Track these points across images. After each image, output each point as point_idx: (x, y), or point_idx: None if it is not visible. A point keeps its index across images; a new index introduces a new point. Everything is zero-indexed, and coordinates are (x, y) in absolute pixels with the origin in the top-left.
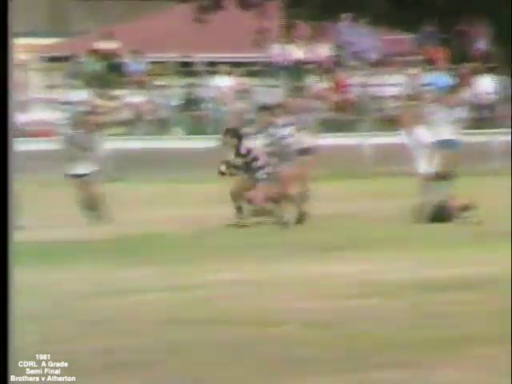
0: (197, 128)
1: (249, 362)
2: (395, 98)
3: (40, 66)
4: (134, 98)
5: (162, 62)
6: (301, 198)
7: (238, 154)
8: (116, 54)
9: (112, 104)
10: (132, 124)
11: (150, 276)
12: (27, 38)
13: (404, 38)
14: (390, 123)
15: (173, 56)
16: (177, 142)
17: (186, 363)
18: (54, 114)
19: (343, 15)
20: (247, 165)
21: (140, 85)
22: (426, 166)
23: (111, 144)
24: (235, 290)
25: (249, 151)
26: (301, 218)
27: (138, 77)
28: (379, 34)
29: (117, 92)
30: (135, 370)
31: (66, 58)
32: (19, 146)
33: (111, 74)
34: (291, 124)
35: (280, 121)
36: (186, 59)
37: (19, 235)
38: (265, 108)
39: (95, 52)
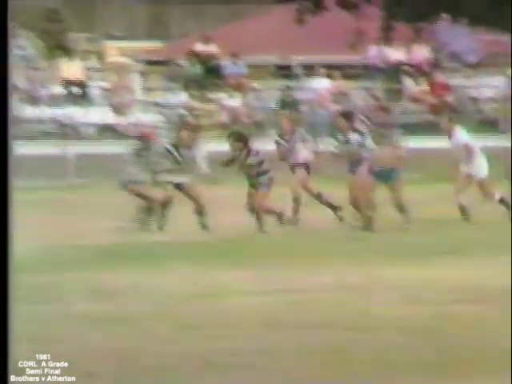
0: None
1: (348, 366)
2: (494, 100)
3: (139, 69)
4: (231, 100)
5: (260, 65)
6: (368, 205)
7: (245, 157)
8: (214, 57)
9: (209, 107)
10: (228, 127)
11: (249, 279)
12: (127, 42)
13: (503, 39)
14: (489, 126)
15: (270, 58)
16: (271, 144)
17: (284, 367)
18: (153, 116)
19: (441, 16)
20: (252, 168)
21: (237, 87)
22: None
23: (208, 147)
24: (335, 294)
25: (256, 154)
26: (368, 224)
27: (236, 79)
28: (477, 35)
29: (214, 95)
30: (234, 374)
31: (165, 62)
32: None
33: (209, 76)
34: (367, 132)
35: (359, 127)
36: (283, 62)
37: (122, 237)
38: (344, 113)
39: (194, 55)
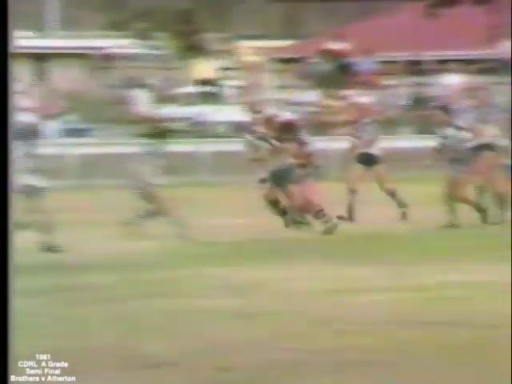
0: (425, 127)
1: (479, 365)
2: None
3: (272, 68)
4: (362, 97)
5: (391, 61)
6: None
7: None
8: (346, 55)
9: (340, 104)
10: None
11: (380, 275)
12: (260, 41)
13: None
14: None
15: (402, 55)
16: (404, 141)
17: (416, 365)
18: (285, 114)
19: None
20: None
21: (368, 85)
22: None
23: (336, 144)
24: (465, 291)
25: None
26: (483, 219)
27: (367, 77)
28: None
29: (345, 92)
30: (365, 370)
31: (297, 60)
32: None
33: (340, 74)
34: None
35: (458, 122)
36: (415, 58)
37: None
38: (442, 107)
39: (326, 53)
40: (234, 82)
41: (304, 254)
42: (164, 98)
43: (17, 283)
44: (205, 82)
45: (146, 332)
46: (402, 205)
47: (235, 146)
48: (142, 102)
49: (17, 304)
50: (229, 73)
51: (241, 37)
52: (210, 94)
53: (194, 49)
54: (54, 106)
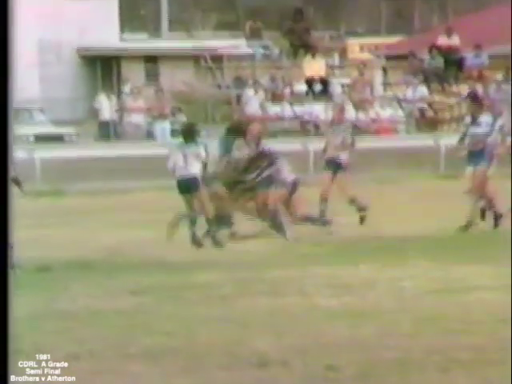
0: None
1: None
2: None
3: (381, 65)
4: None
5: (502, 55)
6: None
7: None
8: (456, 50)
9: (450, 100)
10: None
11: (487, 274)
12: (369, 38)
13: None
14: None
15: None
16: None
17: None
18: (393, 111)
19: None
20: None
21: (479, 79)
22: None
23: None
24: None
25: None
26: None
27: (477, 71)
28: None
29: (455, 88)
30: (472, 369)
31: (406, 56)
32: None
33: (450, 69)
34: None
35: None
36: None
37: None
38: (472, 96)
39: (436, 48)
40: (343, 80)
41: (411, 253)
42: (274, 97)
43: (126, 281)
44: (314, 81)
45: (254, 330)
46: (361, 209)
47: None
48: (252, 101)
49: (128, 302)
50: (339, 70)
51: (350, 34)
52: (319, 92)
53: (304, 47)
54: (164, 107)
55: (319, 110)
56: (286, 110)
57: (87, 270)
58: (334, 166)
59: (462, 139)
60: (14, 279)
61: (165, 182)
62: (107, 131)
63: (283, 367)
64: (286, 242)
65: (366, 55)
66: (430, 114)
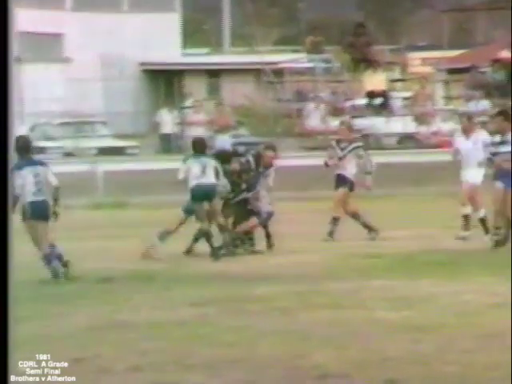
0: None
1: None
2: None
3: (441, 78)
4: None
5: None
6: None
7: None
8: None
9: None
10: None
11: None
12: (430, 51)
13: None
14: None
15: None
16: None
17: None
18: (453, 125)
19: None
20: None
21: None
22: None
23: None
24: None
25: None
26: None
27: None
28: None
29: None
30: None
31: (467, 69)
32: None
33: None
34: None
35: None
36: None
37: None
38: (502, 113)
39: (498, 62)
40: (404, 94)
41: (473, 267)
42: (335, 111)
43: (187, 293)
44: (375, 94)
45: (315, 343)
46: (366, 226)
47: (405, 157)
48: (313, 115)
49: (189, 313)
50: (399, 84)
51: (411, 48)
52: (380, 105)
53: (365, 61)
54: (226, 120)
55: (380, 124)
56: None
57: (149, 281)
58: (343, 181)
59: (490, 160)
60: (76, 291)
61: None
62: (168, 144)
63: (343, 380)
64: (344, 255)
65: (427, 69)
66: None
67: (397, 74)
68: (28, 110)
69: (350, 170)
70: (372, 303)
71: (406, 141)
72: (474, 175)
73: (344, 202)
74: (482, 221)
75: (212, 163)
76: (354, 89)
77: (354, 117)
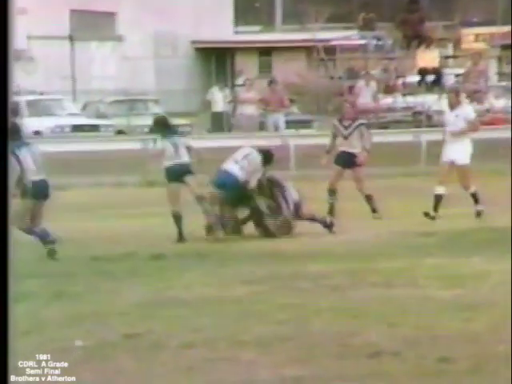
0: None
1: None
2: None
3: (495, 55)
4: None
5: None
6: None
7: None
8: None
9: None
10: None
11: None
12: (484, 27)
13: None
14: None
15: None
16: None
17: None
18: (506, 101)
19: None
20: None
21: None
22: None
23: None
24: None
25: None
26: None
27: None
28: None
29: None
30: None
31: None
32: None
33: None
34: None
35: None
36: None
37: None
38: None
39: None
40: (457, 70)
41: None
42: (387, 89)
43: (239, 271)
44: (427, 71)
45: (366, 321)
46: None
47: None
48: (365, 92)
49: (241, 291)
50: (452, 61)
51: (465, 24)
52: (432, 82)
53: (417, 38)
54: (280, 99)
55: (432, 101)
56: (398, 101)
57: (201, 258)
58: (348, 160)
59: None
60: (129, 267)
61: (276, 172)
62: (220, 123)
63: (395, 358)
64: (397, 233)
65: (480, 45)
66: None
67: (450, 51)
68: (80, 88)
69: (357, 147)
70: (424, 281)
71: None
72: (460, 151)
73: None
74: (474, 196)
75: (183, 141)
76: (406, 66)
77: (405, 94)
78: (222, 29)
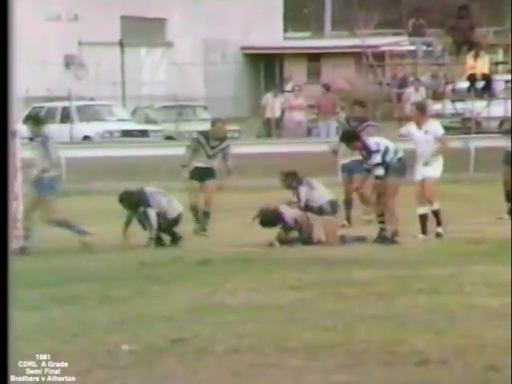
0: None
1: None
2: None
3: None
4: None
5: None
6: None
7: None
8: None
9: None
10: None
11: None
12: None
13: None
14: None
15: None
16: None
17: None
18: None
19: None
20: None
21: None
22: None
23: None
24: None
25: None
26: None
27: None
28: None
29: None
30: None
31: None
32: None
33: None
34: None
35: None
36: None
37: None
38: None
39: None
40: (507, 76)
41: None
42: (436, 95)
43: (286, 277)
44: (477, 78)
45: (413, 328)
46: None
47: (506, 141)
48: (413, 99)
49: (287, 297)
50: (502, 67)
51: None
52: (482, 89)
53: (467, 44)
54: (332, 105)
55: (481, 107)
56: (447, 107)
57: (247, 264)
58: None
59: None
60: (176, 272)
61: (326, 179)
62: (269, 129)
63: (442, 366)
64: (444, 240)
65: None
66: None
67: (500, 57)
68: (130, 94)
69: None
70: (472, 289)
71: (508, 124)
72: (430, 168)
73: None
74: (436, 214)
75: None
76: (456, 72)
77: (454, 101)
78: (272, 35)
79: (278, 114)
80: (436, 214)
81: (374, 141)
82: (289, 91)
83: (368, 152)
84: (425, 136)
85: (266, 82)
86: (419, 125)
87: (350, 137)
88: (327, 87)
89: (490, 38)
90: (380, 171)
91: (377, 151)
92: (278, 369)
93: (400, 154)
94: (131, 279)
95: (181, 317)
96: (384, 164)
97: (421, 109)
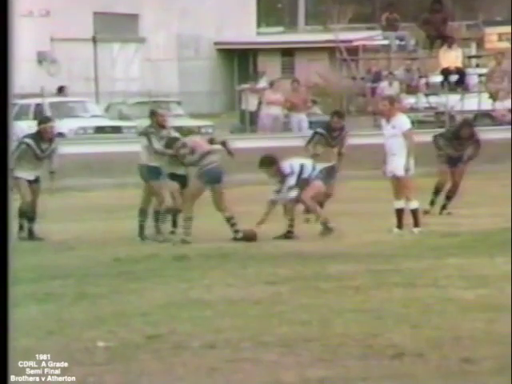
0: None
1: None
2: None
3: None
4: None
5: None
6: None
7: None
8: None
9: None
10: None
11: None
12: (506, 26)
13: None
14: None
15: None
16: None
17: None
18: None
19: None
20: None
21: None
22: None
23: None
24: None
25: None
26: None
27: None
28: None
29: None
30: None
31: None
32: None
33: None
34: None
35: None
36: None
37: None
38: None
39: None
40: (479, 70)
41: None
42: (410, 89)
43: (261, 271)
44: (450, 71)
45: (389, 322)
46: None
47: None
48: (389, 93)
49: (263, 292)
50: (475, 60)
51: (488, 23)
52: (455, 83)
53: (440, 38)
54: (302, 99)
55: (455, 101)
56: (420, 101)
57: (223, 259)
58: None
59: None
60: (152, 268)
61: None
62: (244, 124)
63: (418, 359)
64: (419, 233)
65: (504, 44)
66: None
67: (473, 50)
68: (103, 90)
69: None
70: (447, 282)
71: (482, 118)
72: (399, 164)
73: None
74: (414, 213)
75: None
76: (429, 66)
77: (428, 94)
78: (245, 30)
79: (253, 108)
80: (414, 213)
81: (287, 163)
82: (265, 87)
83: (282, 176)
84: (392, 130)
85: (239, 78)
86: (388, 119)
87: (268, 162)
88: (297, 82)
89: (463, 31)
90: (293, 194)
91: (291, 173)
92: (254, 364)
93: (319, 168)
94: (106, 276)
95: (157, 313)
96: (297, 185)
97: (390, 103)
